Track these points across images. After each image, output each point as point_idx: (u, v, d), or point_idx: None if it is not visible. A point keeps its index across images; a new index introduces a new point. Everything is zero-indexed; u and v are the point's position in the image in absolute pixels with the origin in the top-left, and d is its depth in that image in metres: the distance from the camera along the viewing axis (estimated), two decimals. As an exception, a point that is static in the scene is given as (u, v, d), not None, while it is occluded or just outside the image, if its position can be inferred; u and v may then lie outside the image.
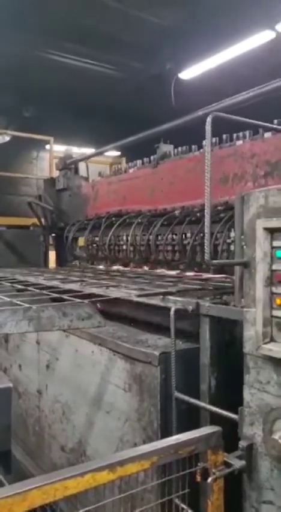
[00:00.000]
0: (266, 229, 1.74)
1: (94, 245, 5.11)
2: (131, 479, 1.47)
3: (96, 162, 7.72)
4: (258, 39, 8.15)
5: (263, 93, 3.30)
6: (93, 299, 2.52)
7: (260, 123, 2.65)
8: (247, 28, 7.83)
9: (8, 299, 2.45)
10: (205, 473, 1.60)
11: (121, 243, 4.65)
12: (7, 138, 9.93)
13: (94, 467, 1.29)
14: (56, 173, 6.51)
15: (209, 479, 1.58)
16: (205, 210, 1.95)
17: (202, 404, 2.14)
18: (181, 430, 1.81)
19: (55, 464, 3.16)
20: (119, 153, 9.68)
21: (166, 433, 2.13)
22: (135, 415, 2.34)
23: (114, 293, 2.75)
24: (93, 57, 9.40)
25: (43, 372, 3.39)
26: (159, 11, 7.83)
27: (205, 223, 1.99)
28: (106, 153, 7.55)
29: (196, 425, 1.99)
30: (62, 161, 6.15)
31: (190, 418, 2.13)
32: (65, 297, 2.57)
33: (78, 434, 2.89)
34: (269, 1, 7.28)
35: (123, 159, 9.08)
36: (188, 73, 9.73)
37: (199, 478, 1.60)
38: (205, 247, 2.01)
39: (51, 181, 6.37)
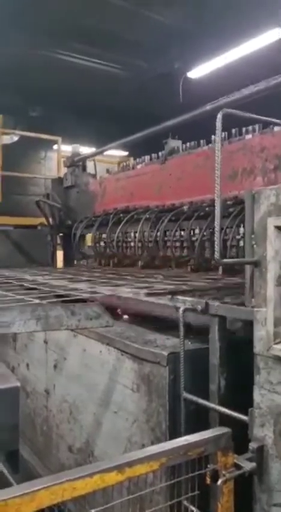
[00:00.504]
0: (277, 227, 1.71)
1: (102, 242, 5.09)
2: (140, 480, 1.45)
3: (104, 162, 7.71)
4: (266, 38, 8.11)
5: (272, 86, 3.26)
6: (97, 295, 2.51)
7: (269, 119, 2.62)
8: (255, 27, 7.79)
9: (16, 298, 2.44)
10: (215, 475, 1.57)
11: (129, 239, 4.63)
12: (15, 138, 9.95)
13: (102, 468, 1.27)
14: (64, 171, 6.52)
15: (219, 482, 1.56)
16: (215, 208, 1.92)
17: (211, 405, 2.11)
18: (189, 431, 1.79)
19: (63, 465, 3.15)
20: (126, 153, 9.66)
21: (174, 434, 2.11)
22: (143, 415, 2.32)
23: (122, 292, 2.73)
24: (100, 56, 9.40)
25: (51, 371, 3.38)
26: (167, 11, 7.81)
27: (215, 220, 1.96)
28: (114, 153, 7.54)
29: (205, 426, 1.96)
30: (69, 158, 6.16)
31: (199, 419, 2.10)
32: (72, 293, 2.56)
33: (85, 435, 2.88)
34: (276, 1, 7.24)
35: (131, 159, 9.07)
36: (197, 72, 9.70)
37: (208, 480, 1.57)
38: (215, 245, 1.98)
39: (59, 181, 6.38)
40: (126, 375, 2.47)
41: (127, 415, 2.45)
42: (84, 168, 6.13)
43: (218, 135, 1.93)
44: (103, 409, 2.69)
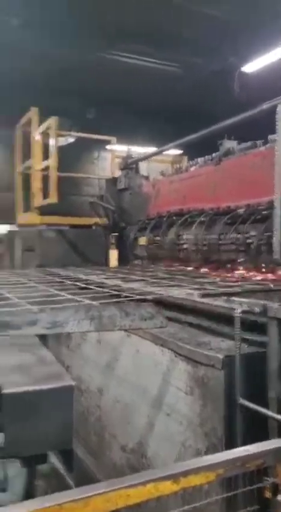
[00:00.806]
0: None
1: (155, 244, 5.07)
2: (195, 490, 1.39)
3: (157, 161, 7.69)
4: None
5: None
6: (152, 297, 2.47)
7: None
8: None
9: (70, 297, 2.46)
10: (275, 490, 1.48)
11: (182, 242, 4.57)
12: (70, 140, 10.14)
13: (157, 476, 1.23)
14: (117, 172, 6.56)
15: (280, 497, 1.47)
16: (275, 205, 1.83)
17: (270, 413, 2.01)
18: (246, 439, 1.71)
19: (115, 464, 3.15)
20: (181, 151, 9.57)
21: (230, 440, 2.03)
22: (197, 419, 2.26)
23: (175, 293, 2.68)
24: (154, 55, 9.40)
25: (104, 370, 3.39)
26: (220, 5, 7.66)
27: (274, 220, 1.87)
28: (167, 152, 7.49)
29: (263, 435, 1.87)
30: (123, 161, 6.19)
31: (256, 427, 2.01)
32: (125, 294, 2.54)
33: (138, 435, 2.86)
34: None
35: (185, 158, 8.98)
36: (253, 66, 9.45)
37: (268, 494, 1.48)
38: (274, 246, 1.89)
39: (112, 181, 6.42)
40: (179, 377, 2.42)
41: (181, 418, 2.40)
42: (137, 170, 6.14)
43: (279, 129, 1.83)
44: (156, 411, 2.65)
